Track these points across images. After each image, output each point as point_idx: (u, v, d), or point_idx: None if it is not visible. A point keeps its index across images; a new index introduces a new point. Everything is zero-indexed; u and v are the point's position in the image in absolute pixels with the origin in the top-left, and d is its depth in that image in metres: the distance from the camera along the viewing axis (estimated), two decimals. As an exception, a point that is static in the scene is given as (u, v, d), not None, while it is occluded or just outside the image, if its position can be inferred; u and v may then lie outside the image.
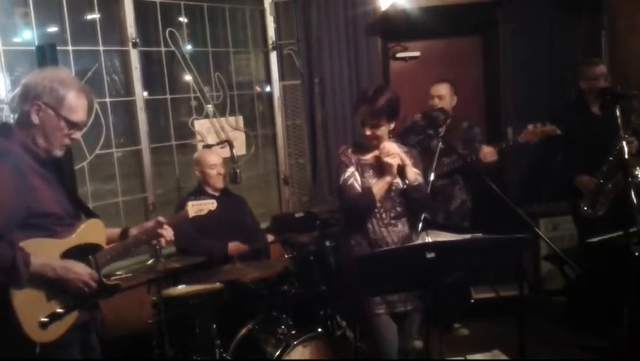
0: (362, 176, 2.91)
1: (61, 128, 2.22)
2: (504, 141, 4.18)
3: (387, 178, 2.85)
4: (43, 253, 2.14)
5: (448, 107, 4.17)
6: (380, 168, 2.90)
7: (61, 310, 2.18)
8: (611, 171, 3.94)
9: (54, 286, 2.16)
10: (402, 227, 2.94)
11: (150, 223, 2.53)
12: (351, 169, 2.90)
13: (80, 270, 2.21)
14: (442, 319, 3.54)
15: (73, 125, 2.25)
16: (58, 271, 2.15)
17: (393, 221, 2.92)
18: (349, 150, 2.97)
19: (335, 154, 3.06)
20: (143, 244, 2.55)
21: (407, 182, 2.85)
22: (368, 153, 2.95)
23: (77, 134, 2.29)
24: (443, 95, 4.22)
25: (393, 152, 2.83)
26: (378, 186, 2.84)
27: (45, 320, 2.13)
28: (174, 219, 2.65)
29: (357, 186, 2.88)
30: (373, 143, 2.91)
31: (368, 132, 2.88)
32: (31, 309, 2.10)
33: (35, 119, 2.18)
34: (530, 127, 3.95)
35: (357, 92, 4.64)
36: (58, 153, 2.27)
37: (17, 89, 2.37)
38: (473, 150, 4.09)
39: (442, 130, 3.77)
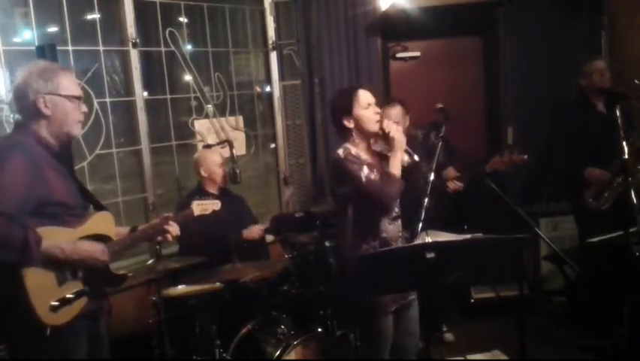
0: (371, 172, 2.89)
1: (71, 107, 2.34)
2: (472, 169, 4.02)
3: (398, 154, 2.80)
4: (55, 240, 2.20)
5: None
6: (381, 164, 2.89)
7: (71, 296, 2.24)
8: (620, 167, 3.90)
9: (65, 271, 2.23)
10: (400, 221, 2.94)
11: (157, 220, 2.63)
12: (365, 167, 2.83)
13: (89, 247, 2.29)
14: (432, 320, 3.52)
15: (78, 99, 2.37)
16: (67, 251, 2.20)
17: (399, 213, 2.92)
18: (352, 151, 2.93)
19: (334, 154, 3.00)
20: (149, 239, 2.67)
21: (413, 158, 2.84)
22: (366, 152, 2.94)
23: (84, 107, 2.42)
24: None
25: (393, 125, 2.81)
26: (394, 164, 2.79)
27: (56, 303, 2.18)
28: (180, 217, 2.73)
29: (378, 179, 2.84)
30: (379, 124, 2.85)
31: (377, 111, 2.84)
32: (43, 293, 2.16)
33: (46, 111, 2.29)
34: (497, 157, 3.85)
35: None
36: (77, 130, 2.40)
37: (11, 97, 2.47)
38: (443, 175, 3.99)
39: (442, 130, 3.75)
